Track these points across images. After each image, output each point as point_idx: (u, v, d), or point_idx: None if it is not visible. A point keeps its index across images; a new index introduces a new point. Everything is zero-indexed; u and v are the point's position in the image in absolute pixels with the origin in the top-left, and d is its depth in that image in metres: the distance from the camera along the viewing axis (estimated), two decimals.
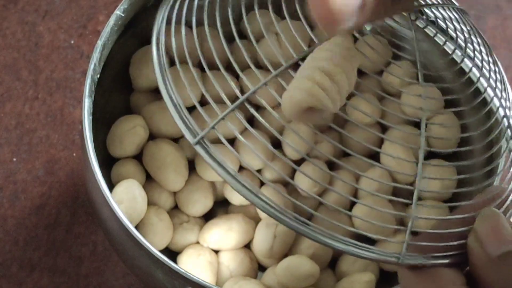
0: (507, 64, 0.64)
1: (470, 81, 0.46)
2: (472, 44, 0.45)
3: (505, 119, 0.44)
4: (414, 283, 0.36)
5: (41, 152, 0.57)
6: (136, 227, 0.47)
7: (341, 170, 0.51)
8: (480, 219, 0.36)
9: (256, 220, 0.51)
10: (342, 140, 0.52)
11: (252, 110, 0.38)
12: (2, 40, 0.61)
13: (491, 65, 0.44)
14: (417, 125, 0.51)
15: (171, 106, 0.39)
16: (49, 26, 0.61)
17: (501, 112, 0.44)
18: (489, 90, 0.44)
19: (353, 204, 0.50)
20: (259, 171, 0.51)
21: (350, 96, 0.51)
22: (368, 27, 0.53)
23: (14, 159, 0.57)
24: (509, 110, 0.44)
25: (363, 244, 0.37)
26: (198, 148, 0.38)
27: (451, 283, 0.35)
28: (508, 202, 0.39)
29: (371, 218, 0.47)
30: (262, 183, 0.52)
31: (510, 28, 0.66)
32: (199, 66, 0.47)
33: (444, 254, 0.36)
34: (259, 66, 0.49)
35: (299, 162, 0.51)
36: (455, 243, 0.36)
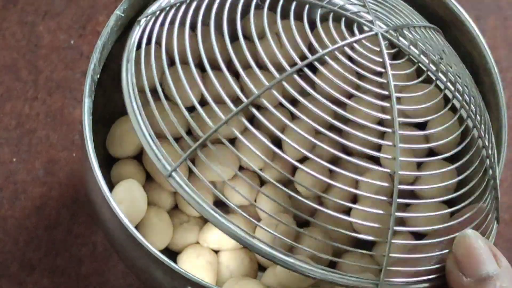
0: (507, 64, 0.64)
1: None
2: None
3: (482, 147, 0.44)
4: None
5: (41, 153, 0.57)
6: (136, 227, 0.47)
7: (342, 170, 0.51)
8: (457, 242, 0.36)
9: (256, 220, 0.50)
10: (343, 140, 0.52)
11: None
12: (1, 41, 0.61)
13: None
14: (417, 125, 0.51)
15: (141, 136, 0.40)
16: (49, 26, 0.61)
17: (475, 133, 0.44)
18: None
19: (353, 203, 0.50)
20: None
21: (350, 97, 0.51)
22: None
23: (14, 160, 0.57)
24: (485, 138, 0.44)
25: (340, 272, 0.37)
26: (171, 181, 0.38)
27: None
28: (487, 222, 0.39)
29: (370, 219, 0.47)
30: (262, 184, 0.52)
31: (510, 29, 0.66)
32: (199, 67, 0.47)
33: (424, 278, 0.36)
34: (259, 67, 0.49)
35: (299, 162, 0.51)
36: (434, 266, 0.36)
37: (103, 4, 0.62)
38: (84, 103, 0.45)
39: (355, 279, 0.36)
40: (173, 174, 0.38)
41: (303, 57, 0.40)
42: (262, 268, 0.51)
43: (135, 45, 0.43)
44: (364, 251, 0.38)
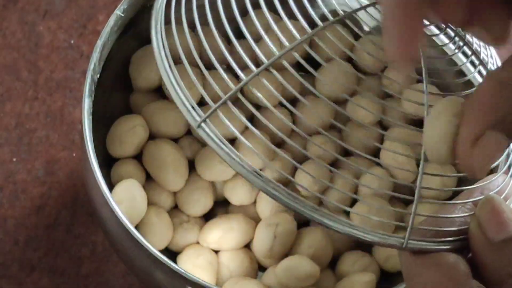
0: None
1: (469, 82, 0.46)
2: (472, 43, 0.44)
3: None
4: (417, 268, 0.36)
5: (41, 152, 0.57)
6: (136, 227, 0.47)
7: (342, 169, 0.51)
8: (481, 205, 0.36)
9: (256, 220, 0.51)
10: (343, 139, 0.52)
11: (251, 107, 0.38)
12: (1, 40, 0.61)
13: (489, 58, 0.44)
14: (417, 125, 0.51)
15: (172, 89, 0.39)
16: (49, 26, 0.61)
17: None
18: None
19: (353, 204, 0.50)
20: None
21: (352, 95, 0.51)
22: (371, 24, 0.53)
23: (14, 159, 0.57)
24: None
25: (368, 228, 0.37)
26: (200, 131, 0.37)
27: (454, 268, 0.35)
28: (507, 190, 0.39)
29: (371, 218, 0.47)
30: None
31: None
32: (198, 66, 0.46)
33: (446, 239, 0.36)
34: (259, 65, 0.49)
35: (299, 162, 0.51)
36: (456, 228, 0.37)
37: (103, 4, 0.62)
38: (84, 103, 0.45)
39: (381, 236, 0.36)
40: (202, 125, 0.37)
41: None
42: (262, 268, 0.51)
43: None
44: (392, 208, 0.39)
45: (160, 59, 0.40)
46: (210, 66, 0.40)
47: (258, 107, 0.51)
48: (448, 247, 0.36)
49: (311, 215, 0.36)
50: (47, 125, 0.58)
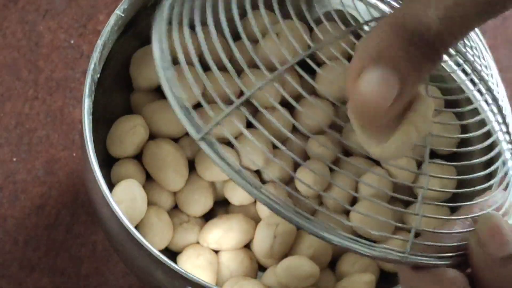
0: (507, 64, 0.64)
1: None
2: (471, 48, 0.44)
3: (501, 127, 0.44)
4: (417, 283, 0.36)
5: (41, 152, 0.57)
6: (136, 227, 0.47)
7: (342, 169, 0.51)
8: (481, 221, 0.36)
9: (256, 220, 0.51)
10: (343, 139, 0.52)
11: (248, 115, 0.38)
12: (2, 40, 0.61)
13: (486, 69, 0.44)
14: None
15: (172, 99, 0.37)
16: (49, 25, 0.61)
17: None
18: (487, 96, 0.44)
19: (353, 204, 0.50)
20: (258, 171, 0.51)
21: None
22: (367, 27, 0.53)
23: (14, 159, 0.57)
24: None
25: (366, 241, 0.36)
26: (202, 144, 0.36)
27: (454, 284, 0.35)
28: (505, 207, 0.39)
29: (372, 218, 0.47)
30: (262, 183, 0.52)
31: (510, 28, 0.66)
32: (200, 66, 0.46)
33: (446, 255, 0.36)
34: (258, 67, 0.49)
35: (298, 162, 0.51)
36: (456, 243, 0.36)
37: (104, 4, 0.62)
38: (84, 103, 0.45)
39: (381, 250, 0.36)
40: (206, 137, 0.36)
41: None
42: (262, 268, 0.51)
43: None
44: (392, 222, 0.38)
45: (160, 66, 0.39)
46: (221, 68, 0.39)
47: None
48: (448, 262, 0.36)
49: (320, 233, 0.35)
50: (47, 125, 0.58)
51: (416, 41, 0.31)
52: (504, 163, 0.43)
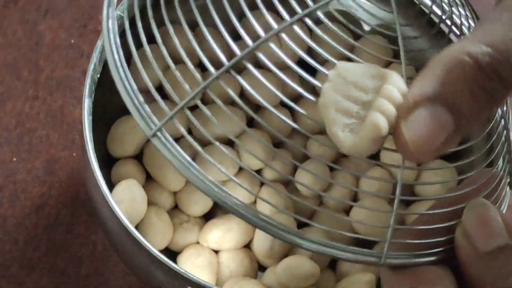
0: None
1: None
2: (460, 18, 0.42)
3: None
4: (395, 284, 0.34)
5: (41, 152, 0.57)
6: (136, 227, 0.47)
7: (342, 170, 0.51)
8: (467, 212, 0.33)
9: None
10: None
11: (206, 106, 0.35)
12: (2, 39, 0.61)
13: None
14: None
15: (123, 92, 0.36)
16: (50, 25, 0.61)
17: None
18: None
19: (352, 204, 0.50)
20: (259, 171, 0.51)
21: None
22: (367, 27, 0.53)
23: (14, 159, 0.57)
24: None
25: (342, 245, 0.34)
26: (154, 141, 0.34)
27: (437, 282, 0.33)
28: (499, 188, 0.36)
29: (370, 218, 0.47)
30: (262, 183, 0.52)
31: None
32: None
33: (430, 251, 0.34)
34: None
35: (299, 162, 0.51)
36: (441, 238, 0.34)
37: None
38: (84, 103, 0.45)
39: (357, 252, 0.33)
40: (158, 134, 0.34)
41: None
42: (262, 268, 0.50)
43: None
44: (368, 223, 0.36)
45: (113, 62, 0.37)
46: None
47: (258, 107, 0.51)
48: (432, 259, 0.33)
49: (280, 233, 0.33)
50: (47, 125, 0.58)
51: (486, 76, 0.28)
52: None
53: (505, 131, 0.41)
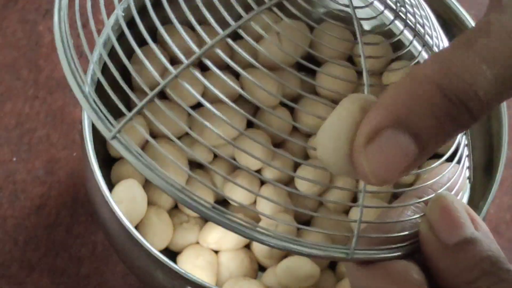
0: None
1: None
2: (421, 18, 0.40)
3: None
4: (365, 280, 0.33)
5: (41, 152, 0.57)
6: (136, 227, 0.47)
7: None
8: (431, 205, 0.33)
9: (256, 220, 0.51)
10: None
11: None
12: (2, 39, 0.61)
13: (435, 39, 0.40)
14: None
15: (79, 94, 0.35)
16: (50, 25, 0.61)
17: None
18: None
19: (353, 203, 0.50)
20: (259, 171, 0.51)
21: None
22: (367, 27, 0.53)
23: (14, 159, 0.57)
24: None
25: (309, 242, 0.33)
26: (114, 143, 0.33)
27: (405, 278, 0.32)
28: (459, 182, 0.36)
29: (369, 217, 0.47)
30: (262, 183, 0.52)
31: None
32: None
33: (397, 245, 0.33)
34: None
35: (298, 163, 0.51)
36: (407, 232, 0.33)
37: (104, 4, 0.62)
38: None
39: (324, 249, 0.33)
40: (118, 136, 0.34)
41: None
42: (262, 268, 0.51)
43: None
44: (335, 218, 0.35)
45: (64, 58, 0.36)
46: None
47: (258, 107, 0.51)
48: (399, 253, 0.33)
49: (244, 231, 0.32)
50: (47, 125, 0.58)
51: (455, 107, 0.27)
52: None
53: None
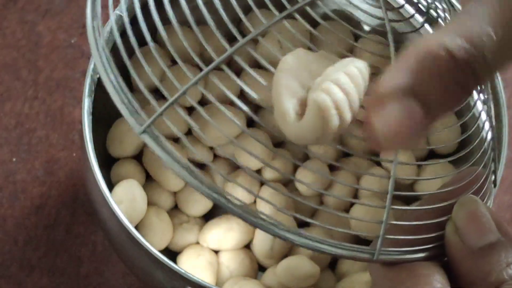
0: None
1: None
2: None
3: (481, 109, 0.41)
4: (389, 281, 0.33)
5: (40, 152, 0.57)
6: (136, 227, 0.47)
7: (342, 170, 0.51)
8: (457, 208, 0.33)
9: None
10: (343, 139, 0.52)
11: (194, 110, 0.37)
12: (1, 40, 0.61)
13: None
14: None
15: (111, 89, 0.36)
16: (49, 25, 0.61)
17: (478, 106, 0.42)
18: None
19: (353, 204, 0.50)
20: (258, 171, 0.51)
21: None
22: (367, 27, 0.53)
23: (14, 159, 0.57)
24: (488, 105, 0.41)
25: (336, 242, 0.33)
26: (145, 137, 0.34)
27: (430, 280, 0.32)
28: (485, 186, 0.36)
29: (368, 216, 0.47)
30: (261, 183, 0.52)
31: None
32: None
33: (422, 247, 0.33)
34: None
35: (299, 161, 0.51)
36: (433, 234, 0.33)
37: (104, 4, 0.62)
38: (84, 103, 0.45)
39: (351, 249, 0.33)
40: (147, 130, 0.34)
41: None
42: (262, 268, 0.51)
43: None
44: (361, 219, 0.35)
45: (97, 55, 0.37)
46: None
47: (258, 107, 0.51)
48: (424, 255, 0.33)
49: (275, 230, 0.33)
50: (47, 125, 0.58)
51: (460, 70, 0.28)
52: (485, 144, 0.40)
53: (489, 131, 0.41)
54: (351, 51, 0.52)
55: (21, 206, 0.56)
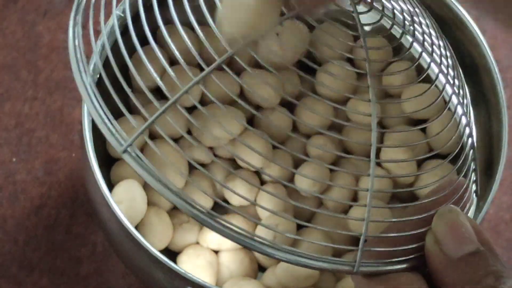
0: (507, 64, 0.64)
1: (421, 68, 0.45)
2: (420, 26, 0.42)
3: (461, 115, 0.41)
4: None
5: (40, 152, 0.57)
6: (136, 227, 0.47)
7: (341, 171, 0.51)
8: (437, 219, 0.33)
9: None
10: (342, 141, 0.52)
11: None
12: (1, 40, 0.61)
13: (442, 50, 0.41)
14: (416, 125, 0.51)
15: (93, 110, 0.36)
16: (49, 25, 0.61)
17: (454, 101, 0.41)
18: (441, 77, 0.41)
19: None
20: (258, 173, 0.51)
21: (348, 98, 0.51)
22: (367, 28, 0.53)
23: (14, 159, 0.57)
24: (464, 105, 0.41)
25: (316, 255, 0.34)
26: (126, 157, 0.35)
27: None
28: (466, 196, 0.36)
29: (373, 229, 0.47)
30: (261, 183, 0.52)
31: (510, 28, 0.66)
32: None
33: (402, 258, 0.34)
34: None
35: (299, 162, 0.51)
36: (413, 245, 0.34)
37: (104, 4, 0.62)
38: (84, 103, 0.45)
39: (331, 262, 0.33)
40: (129, 149, 0.35)
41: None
42: (262, 268, 0.50)
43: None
44: (340, 231, 0.36)
45: (79, 76, 0.38)
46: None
47: (258, 108, 0.51)
48: (404, 266, 0.33)
49: (253, 244, 0.34)
50: (46, 125, 0.58)
51: None
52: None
53: (469, 139, 0.41)
54: (350, 52, 0.52)
55: (21, 207, 0.56)
